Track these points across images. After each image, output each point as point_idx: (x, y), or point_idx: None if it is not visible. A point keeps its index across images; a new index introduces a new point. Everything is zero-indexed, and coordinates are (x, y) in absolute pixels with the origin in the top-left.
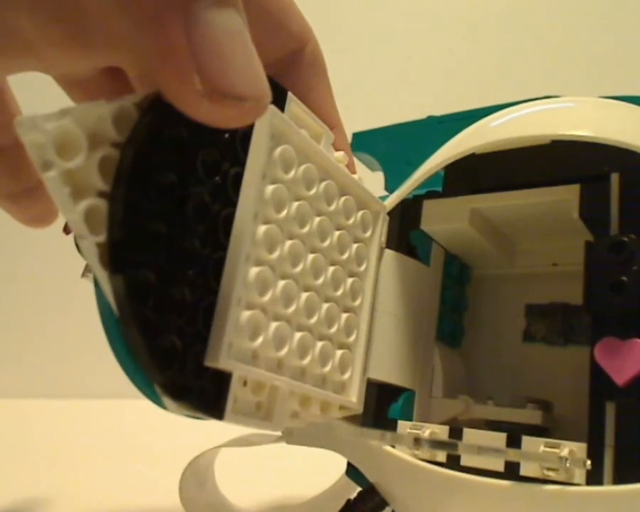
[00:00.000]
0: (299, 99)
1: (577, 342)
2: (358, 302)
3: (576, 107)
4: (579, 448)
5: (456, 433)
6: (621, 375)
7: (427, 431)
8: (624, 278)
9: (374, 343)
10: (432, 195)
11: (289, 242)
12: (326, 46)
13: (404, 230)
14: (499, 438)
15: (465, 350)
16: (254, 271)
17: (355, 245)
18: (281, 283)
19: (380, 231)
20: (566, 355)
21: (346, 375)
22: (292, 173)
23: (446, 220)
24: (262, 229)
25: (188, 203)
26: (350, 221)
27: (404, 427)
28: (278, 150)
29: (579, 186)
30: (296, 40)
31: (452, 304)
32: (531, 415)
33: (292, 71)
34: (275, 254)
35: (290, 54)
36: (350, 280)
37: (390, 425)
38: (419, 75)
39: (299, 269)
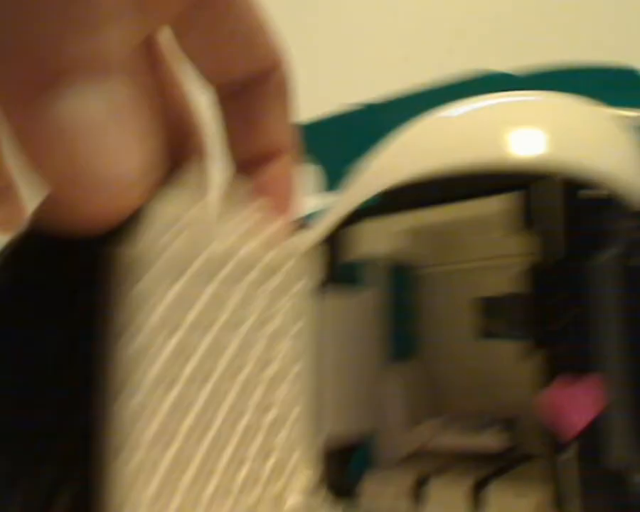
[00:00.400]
0: (254, 119)
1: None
2: (297, 367)
3: (527, 114)
4: (546, 498)
5: (419, 494)
6: (574, 425)
7: (390, 494)
8: (575, 310)
9: (324, 397)
10: (367, 212)
11: (208, 338)
12: (326, 46)
13: (337, 259)
14: (464, 492)
15: (423, 361)
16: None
17: (287, 305)
18: (201, 399)
19: (311, 275)
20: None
21: (292, 461)
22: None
23: (384, 242)
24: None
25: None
26: (278, 280)
27: (365, 493)
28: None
29: (523, 193)
30: (263, 61)
31: (401, 317)
32: (495, 439)
33: (254, 90)
34: (189, 367)
35: (256, 74)
36: (286, 345)
37: (351, 491)
38: (418, 75)
39: (221, 366)
